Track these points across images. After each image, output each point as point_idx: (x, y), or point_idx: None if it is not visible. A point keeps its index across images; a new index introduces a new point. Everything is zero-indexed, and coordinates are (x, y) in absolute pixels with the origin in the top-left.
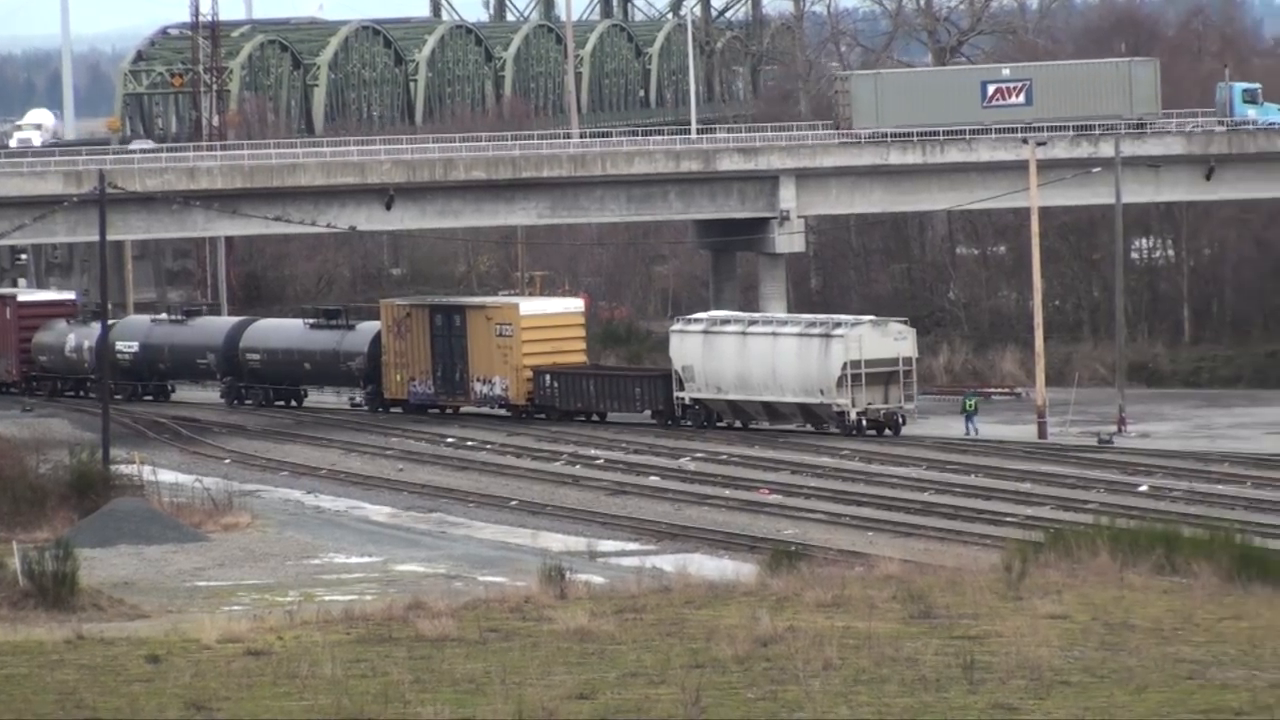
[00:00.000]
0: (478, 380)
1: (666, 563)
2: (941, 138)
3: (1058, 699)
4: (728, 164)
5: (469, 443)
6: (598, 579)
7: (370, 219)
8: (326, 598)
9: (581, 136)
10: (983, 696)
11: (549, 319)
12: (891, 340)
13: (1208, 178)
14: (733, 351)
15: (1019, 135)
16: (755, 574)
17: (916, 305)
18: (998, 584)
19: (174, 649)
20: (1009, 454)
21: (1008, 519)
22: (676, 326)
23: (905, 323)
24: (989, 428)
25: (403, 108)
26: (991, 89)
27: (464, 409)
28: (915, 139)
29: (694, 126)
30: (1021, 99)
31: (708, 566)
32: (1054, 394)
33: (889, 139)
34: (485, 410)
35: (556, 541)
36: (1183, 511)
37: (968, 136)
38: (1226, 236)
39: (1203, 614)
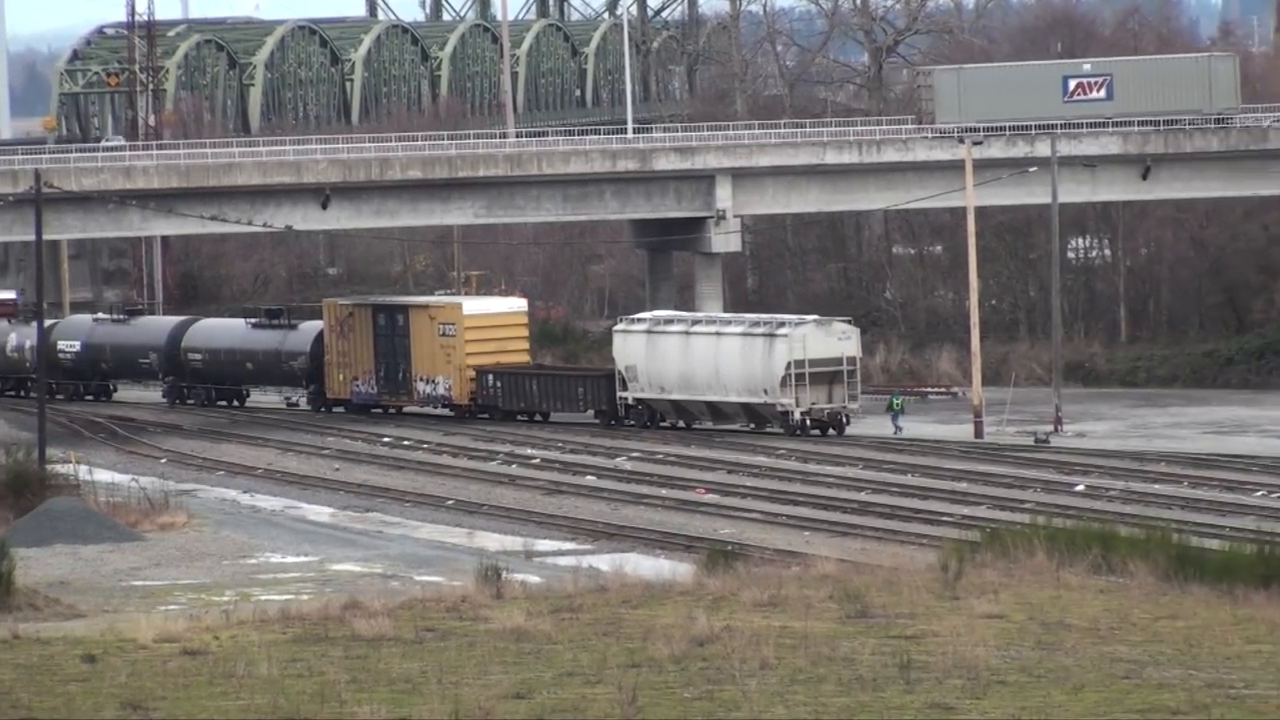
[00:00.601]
0: (421, 380)
1: (603, 562)
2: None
3: (994, 698)
4: (664, 163)
5: (405, 442)
6: (534, 578)
7: (306, 218)
8: (263, 597)
9: (518, 136)
10: (919, 696)
11: (492, 319)
12: (835, 340)
13: (1144, 177)
14: (676, 351)
15: (955, 135)
16: (692, 573)
17: (853, 305)
18: (934, 583)
19: (110, 649)
20: (945, 453)
21: (944, 518)
22: (620, 326)
23: (849, 322)
24: (927, 427)
25: (339, 107)
26: (1073, 84)
27: (407, 409)
28: (852, 137)
29: (630, 126)
30: (1102, 94)
31: (644, 566)
32: (990, 393)
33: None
34: (429, 410)
35: (493, 541)
36: (1119, 511)
37: (905, 136)
38: (1163, 236)
39: (1139, 614)
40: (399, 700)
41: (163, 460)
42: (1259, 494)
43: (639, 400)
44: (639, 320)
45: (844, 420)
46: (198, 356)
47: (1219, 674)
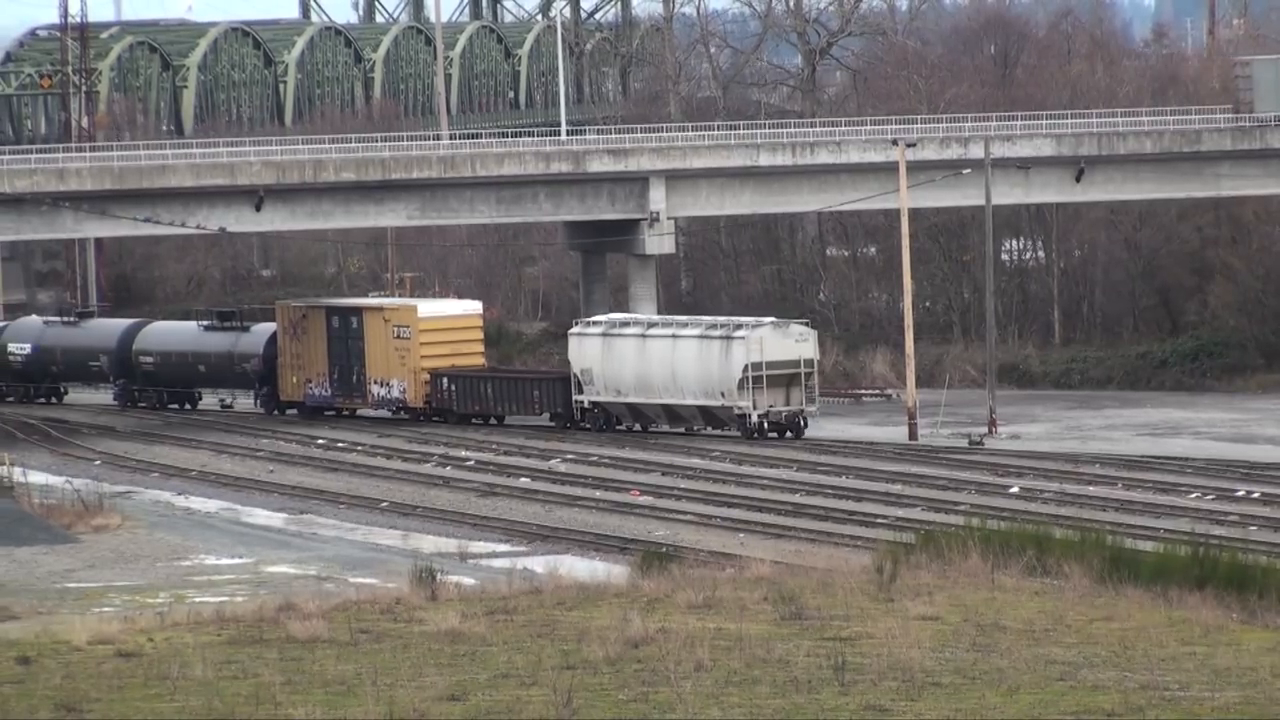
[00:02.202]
0: (375, 383)
1: (537, 564)
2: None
3: (929, 700)
4: (597, 165)
5: (339, 444)
6: (469, 580)
7: (240, 220)
8: (197, 599)
9: (451, 138)
10: (854, 698)
11: (447, 321)
12: (793, 342)
13: (1078, 179)
14: (632, 354)
15: (889, 136)
16: (626, 575)
17: (787, 307)
18: (869, 585)
19: (44, 651)
20: (880, 455)
21: (879, 520)
22: (575, 329)
23: (806, 324)
24: (862, 429)
25: (272, 109)
26: None
27: (361, 411)
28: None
29: (564, 128)
30: None
31: (579, 568)
32: (924, 395)
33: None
34: (383, 413)
35: (428, 543)
36: (1053, 513)
37: (839, 138)
38: (1096, 238)
39: (1074, 615)
40: (334, 702)
41: (97, 462)
42: (1193, 496)
43: (595, 404)
44: (595, 323)
45: (801, 423)
46: (149, 359)
47: (1153, 676)
